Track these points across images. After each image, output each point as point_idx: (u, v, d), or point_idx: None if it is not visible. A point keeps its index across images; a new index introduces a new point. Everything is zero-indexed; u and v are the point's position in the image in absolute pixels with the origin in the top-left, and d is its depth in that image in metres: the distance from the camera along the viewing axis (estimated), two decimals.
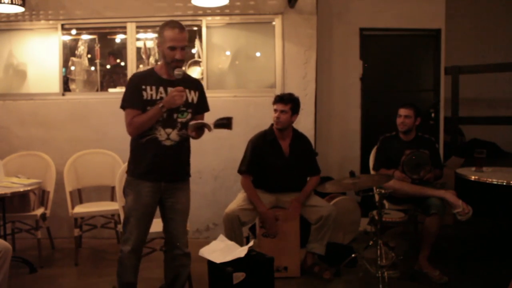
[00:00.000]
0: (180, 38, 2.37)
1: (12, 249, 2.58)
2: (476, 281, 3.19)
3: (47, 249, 3.92)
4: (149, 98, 2.41)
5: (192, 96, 2.52)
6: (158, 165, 2.45)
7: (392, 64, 5.05)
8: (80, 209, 3.76)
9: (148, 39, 4.57)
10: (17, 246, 3.91)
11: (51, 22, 4.36)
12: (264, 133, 3.42)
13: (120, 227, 3.72)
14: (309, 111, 4.23)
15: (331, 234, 3.35)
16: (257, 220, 3.35)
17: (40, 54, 4.44)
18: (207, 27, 4.32)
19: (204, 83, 4.32)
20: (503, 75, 5.58)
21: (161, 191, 2.50)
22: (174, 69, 2.39)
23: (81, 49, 4.55)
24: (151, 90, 2.41)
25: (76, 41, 4.56)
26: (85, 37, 4.58)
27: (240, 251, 2.59)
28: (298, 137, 3.46)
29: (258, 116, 4.14)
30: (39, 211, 3.64)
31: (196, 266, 2.97)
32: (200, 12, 4.23)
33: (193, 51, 4.55)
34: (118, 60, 4.76)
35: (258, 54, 4.52)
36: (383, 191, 2.97)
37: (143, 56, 4.46)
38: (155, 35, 4.57)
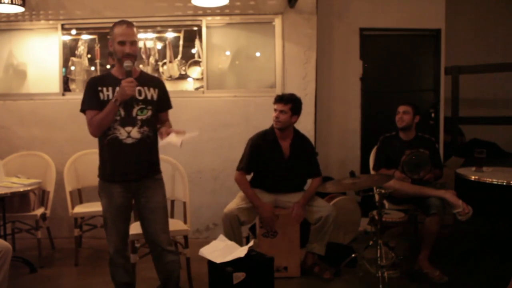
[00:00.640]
0: (128, 33, 2.39)
1: (12, 249, 2.58)
2: (476, 281, 3.19)
3: (47, 249, 3.92)
4: (106, 98, 2.41)
5: (152, 93, 2.51)
6: (122, 165, 2.45)
7: (392, 64, 5.05)
8: (80, 209, 3.75)
9: (148, 39, 4.57)
10: (17, 246, 3.91)
11: (51, 22, 4.36)
12: (264, 133, 3.41)
13: None
14: (309, 111, 4.22)
15: (331, 234, 3.35)
16: (257, 220, 3.34)
17: (40, 54, 4.44)
18: (207, 27, 4.31)
19: (204, 83, 4.34)
20: (503, 75, 5.56)
21: (132, 191, 2.50)
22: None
23: (81, 49, 4.55)
24: (107, 90, 2.43)
25: (76, 41, 4.56)
26: (85, 37, 4.58)
27: (240, 251, 2.59)
28: (299, 138, 3.44)
29: (258, 116, 4.14)
30: (39, 211, 3.64)
31: (196, 266, 2.97)
32: (200, 12, 4.22)
33: (193, 51, 4.54)
34: None
35: (258, 54, 4.52)
36: (383, 191, 2.97)
37: (143, 56, 4.46)
38: (155, 35, 4.58)
